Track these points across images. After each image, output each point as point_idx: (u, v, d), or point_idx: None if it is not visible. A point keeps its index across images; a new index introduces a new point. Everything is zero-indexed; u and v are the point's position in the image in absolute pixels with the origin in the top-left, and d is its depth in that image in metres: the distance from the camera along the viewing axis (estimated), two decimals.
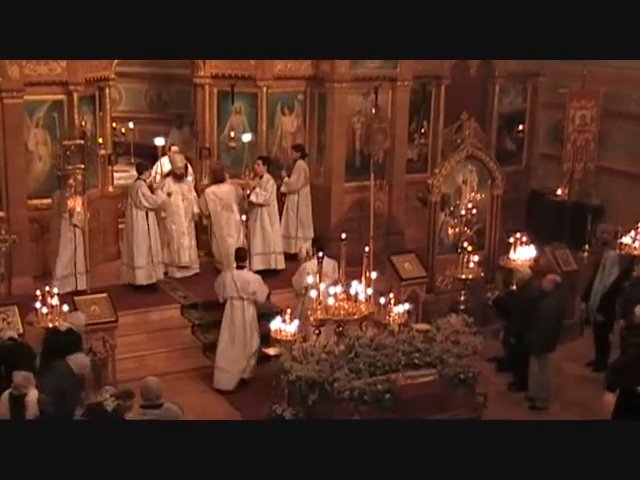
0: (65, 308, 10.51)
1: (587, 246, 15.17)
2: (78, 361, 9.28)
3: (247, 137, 13.66)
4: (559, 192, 16.11)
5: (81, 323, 10.42)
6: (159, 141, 13.56)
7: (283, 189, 14.14)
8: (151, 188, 12.94)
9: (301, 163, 14.20)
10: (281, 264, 13.65)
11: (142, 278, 12.90)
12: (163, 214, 13.16)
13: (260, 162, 13.54)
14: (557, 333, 11.35)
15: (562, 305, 11.55)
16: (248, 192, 13.37)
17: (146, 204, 12.81)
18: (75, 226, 12.36)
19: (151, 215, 12.95)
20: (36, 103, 12.69)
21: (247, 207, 13.41)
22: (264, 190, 13.37)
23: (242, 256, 11.56)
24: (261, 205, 13.44)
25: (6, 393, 8.54)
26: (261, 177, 13.49)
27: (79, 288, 12.31)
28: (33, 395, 8.33)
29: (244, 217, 13.02)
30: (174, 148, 14.22)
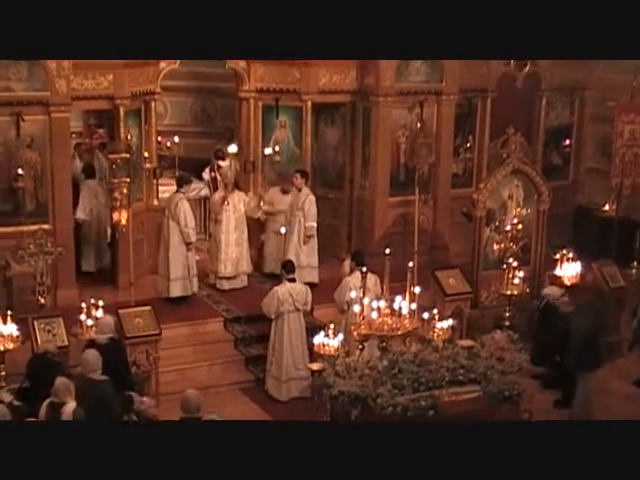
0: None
1: (635, 263, 14.95)
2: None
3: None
4: (607, 208, 15.91)
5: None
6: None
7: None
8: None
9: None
10: (314, 277, 13.57)
11: (177, 290, 12.91)
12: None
13: (298, 175, 13.55)
14: (589, 353, 10.86)
15: (592, 325, 11.07)
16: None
17: (183, 222, 12.81)
18: None
19: None
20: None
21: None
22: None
23: (291, 268, 11.63)
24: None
25: (47, 401, 8.54)
26: (300, 190, 13.53)
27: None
28: (70, 407, 8.31)
29: (283, 229, 12.90)
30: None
